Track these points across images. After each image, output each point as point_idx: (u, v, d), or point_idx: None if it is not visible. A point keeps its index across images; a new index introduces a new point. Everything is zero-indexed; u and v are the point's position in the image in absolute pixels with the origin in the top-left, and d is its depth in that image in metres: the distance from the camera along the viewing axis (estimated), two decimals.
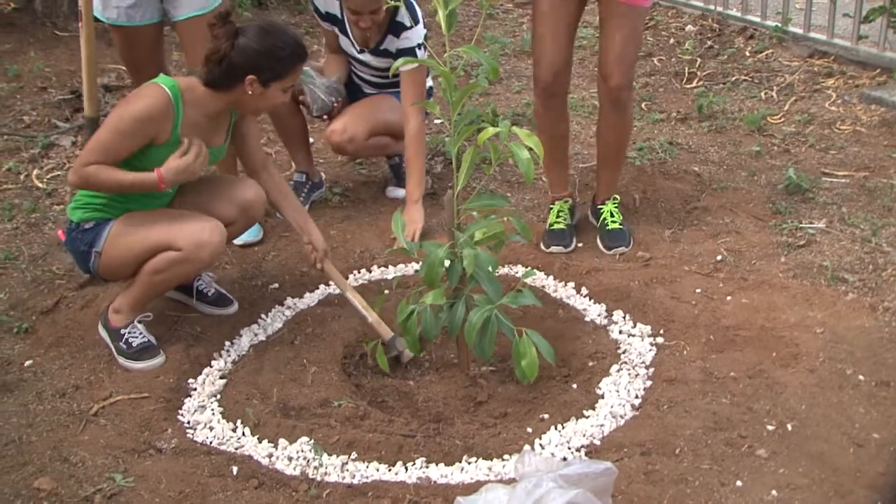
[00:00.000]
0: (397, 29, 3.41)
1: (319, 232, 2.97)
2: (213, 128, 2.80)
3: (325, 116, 3.58)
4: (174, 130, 2.67)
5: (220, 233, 2.73)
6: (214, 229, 2.72)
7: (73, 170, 2.67)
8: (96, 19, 3.24)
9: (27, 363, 2.83)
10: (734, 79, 4.72)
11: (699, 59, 4.98)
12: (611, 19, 3.07)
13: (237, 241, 3.34)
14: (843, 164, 3.82)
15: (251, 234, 3.36)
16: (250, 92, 2.67)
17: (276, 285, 3.22)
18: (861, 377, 2.57)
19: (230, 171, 3.34)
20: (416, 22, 3.41)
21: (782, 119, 4.26)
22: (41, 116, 4.53)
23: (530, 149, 2.34)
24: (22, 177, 4.02)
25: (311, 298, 3.15)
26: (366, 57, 3.55)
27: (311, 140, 3.87)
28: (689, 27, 5.37)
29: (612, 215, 3.32)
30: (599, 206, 3.36)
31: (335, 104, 3.54)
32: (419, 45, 3.42)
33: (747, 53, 4.97)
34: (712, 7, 5.40)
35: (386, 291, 3.05)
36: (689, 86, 4.73)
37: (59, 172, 4.06)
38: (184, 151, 2.66)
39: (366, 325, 2.88)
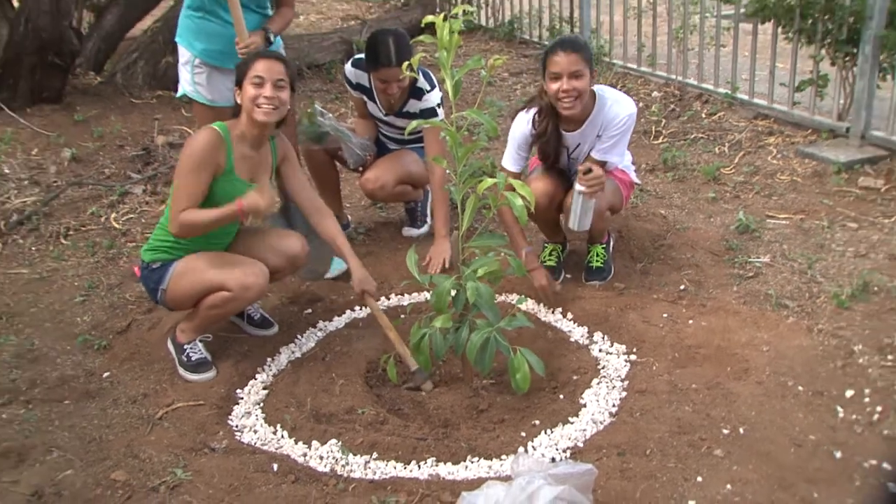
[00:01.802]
0: (418, 93, 3.42)
1: (363, 271, 2.88)
2: (259, 163, 2.78)
3: (359, 168, 3.60)
4: (228, 160, 2.66)
5: (264, 276, 2.72)
6: (258, 274, 2.70)
7: (171, 223, 2.63)
8: (191, 100, 3.31)
9: (105, 375, 2.85)
10: (693, 136, 4.71)
11: (664, 120, 4.98)
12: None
13: (330, 275, 3.31)
14: (783, 209, 3.81)
15: (339, 266, 3.30)
16: (238, 101, 2.69)
17: (310, 310, 3.22)
18: (800, 388, 2.55)
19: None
20: (432, 86, 3.43)
21: (733, 170, 4.25)
22: (119, 169, 4.56)
23: (523, 196, 2.35)
24: (102, 219, 4.05)
25: (339, 322, 3.14)
26: (390, 119, 3.56)
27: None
28: (655, 93, 5.39)
29: (597, 255, 3.27)
30: (589, 245, 3.31)
31: (367, 158, 3.57)
32: (439, 105, 3.44)
33: (703, 115, 4.97)
34: (674, 77, 5.41)
35: (402, 316, 3.03)
36: (655, 142, 4.73)
37: (132, 215, 4.09)
38: (261, 191, 2.64)
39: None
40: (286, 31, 3.46)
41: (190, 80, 3.26)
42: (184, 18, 3.29)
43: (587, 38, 6.15)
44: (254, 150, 2.75)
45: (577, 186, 2.91)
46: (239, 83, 2.69)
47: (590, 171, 2.87)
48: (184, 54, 3.29)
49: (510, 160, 3.16)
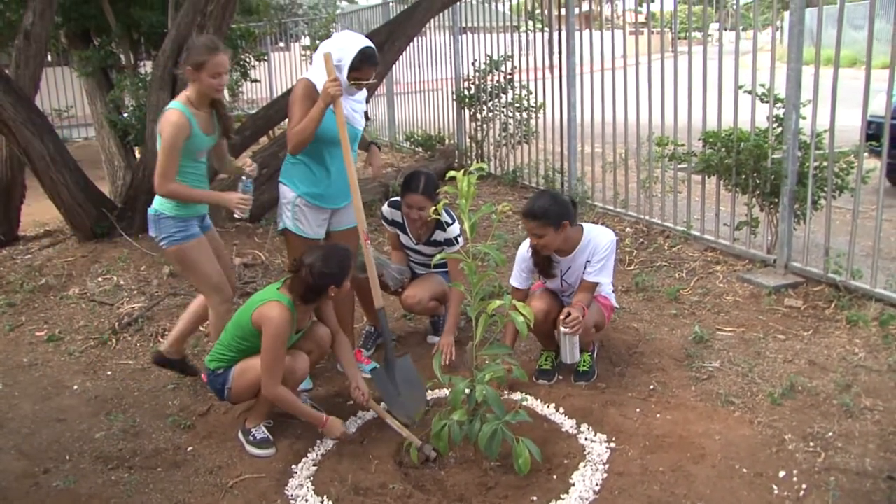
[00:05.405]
0: (441, 225, 3.54)
1: (359, 379, 2.98)
2: (306, 318, 2.93)
3: (398, 290, 3.67)
4: (293, 328, 2.81)
5: (305, 360, 2.85)
6: (300, 358, 2.84)
7: (263, 388, 2.72)
8: (289, 231, 3.18)
9: (189, 449, 2.88)
10: (658, 264, 4.76)
11: (635, 251, 5.03)
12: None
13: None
14: (729, 323, 3.84)
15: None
16: (332, 295, 2.79)
17: (352, 402, 3.18)
18: (744, 470, 2.55)
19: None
20: (453, 220, 3.55)
21: (689, 292, 4.29)
22: None
23: (524, 315, 2.43)
24: None
25: (373, 413, 3.11)
26: (420, 247, 3.66)
27: None
28: (628, 229, 5.41)
29: (584, 361, 3.28)
30: (580, 352, 3.25)
31: (405, 280, 3.67)
32: (457, 236, 3.54)
33: (665, 248, 5.02)
34: (643, 216, 5.45)
35: (425, 409, 3.06)
36: (629, 268, 4.77)
37: None
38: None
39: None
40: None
41: (291, 217, 3.17)
42: (289, 165, 3.17)
43: (573, 186, 6.24)
44: (304, 316, 2.90)
45: (563, 329, 2.98)
46: (337, 283, 2.76)
47: (569, 314, 2.96)
48: (287, 195, 3.17)
49: (516, 279, 3.27)
